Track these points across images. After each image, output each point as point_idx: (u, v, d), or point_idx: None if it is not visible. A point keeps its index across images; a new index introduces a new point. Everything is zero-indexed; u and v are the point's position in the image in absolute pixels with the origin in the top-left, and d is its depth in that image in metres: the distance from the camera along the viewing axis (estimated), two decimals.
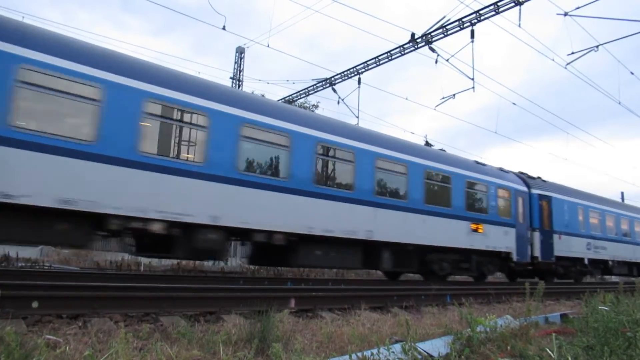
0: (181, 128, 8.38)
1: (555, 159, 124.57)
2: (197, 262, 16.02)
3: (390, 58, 17.97)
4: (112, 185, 7.24)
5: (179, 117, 8.31)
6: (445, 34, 15.83)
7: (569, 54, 14.86)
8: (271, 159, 9.50)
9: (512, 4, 14.15)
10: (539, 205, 16.14)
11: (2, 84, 6.42)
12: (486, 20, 14.87)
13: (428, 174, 12.37)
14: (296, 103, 25.32)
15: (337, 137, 10.59)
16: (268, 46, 32.11)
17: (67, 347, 3.56)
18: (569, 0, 13.90)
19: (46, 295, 5.29)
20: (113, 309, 5.35)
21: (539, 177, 17.57)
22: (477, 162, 15.00)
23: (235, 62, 26.31)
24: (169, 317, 5.35)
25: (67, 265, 14.99)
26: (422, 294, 8.95)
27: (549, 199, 16.60)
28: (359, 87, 19.11)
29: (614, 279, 24.15)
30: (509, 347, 4.23)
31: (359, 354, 3.53)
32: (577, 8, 13.18)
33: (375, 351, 3.56)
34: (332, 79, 20.34)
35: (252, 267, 16.23)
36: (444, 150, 14.86)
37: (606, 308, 6.01)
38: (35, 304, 4.98)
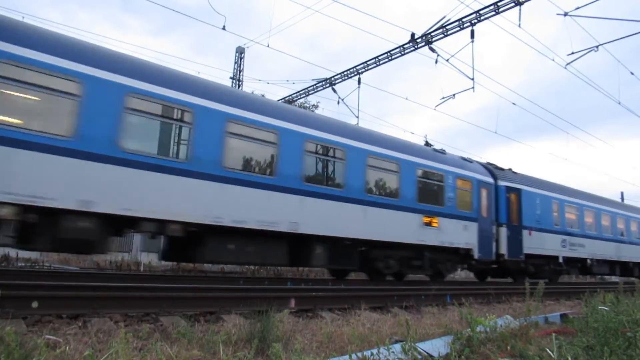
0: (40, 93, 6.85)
1: (555, 159, 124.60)
2: (197, 263, 15.87)
3: (390, 58, 17.97)
4: None
5: (22, 78, 6.73)
6: (445, 34, 15.83)
7: (569, 54, 14.87)
8: (168, 136, 8.14)
9: (512, 4, 14.15)
10: (507, 198, 14.89)
11: None
12: (486, 20, 14.88)
13: (371, 160, 11.06)
14: (296, 103, 25.33)
15: (255, 115, 9.13)
16: (268, 46, 32.08)
17: (67, 347, 3.56)
18: (569, 0, 13.93)
19: (46, 295, 5.29)
20: (113, 309, 5.35)
21: (509, 169, 16.48)
22: (435, 150, 13.80)
23: (235, 62, 26.32)
24: (169, 317, 5.35)
25: (67, 265, 15.00)
26: (422, 294, 8.96)
27: (518, 191, 15.37)
28: (359, 87, 19.12)
29: (614, 279, 23.97)
30: (509, 347, 4.23)
31: (359, 354, 3.53)
32: (577, 8, 13.19)
33: (375, 351, 3.56)
34: (332, 79, 20.34)
35: (252, 267, 16.25)
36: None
37: (606, 308, 6.01)
38: (35, 304, 4.98)
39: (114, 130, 7.41)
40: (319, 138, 10.17)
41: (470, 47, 16.35)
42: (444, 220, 12.57)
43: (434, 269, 12.84)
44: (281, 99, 23.48)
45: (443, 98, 17.20)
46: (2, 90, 6.62)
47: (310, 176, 9.98)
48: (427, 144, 27.37)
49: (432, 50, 16.02)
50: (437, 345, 4.22)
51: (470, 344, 4.33)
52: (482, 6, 14.73)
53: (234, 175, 8.68)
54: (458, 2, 17.97)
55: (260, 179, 9.08)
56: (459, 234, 13.01)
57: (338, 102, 20.31)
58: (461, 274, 21.42)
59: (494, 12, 14.61)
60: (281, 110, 10.07)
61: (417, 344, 3.85)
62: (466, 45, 17.52)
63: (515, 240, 14.82)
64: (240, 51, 26.29)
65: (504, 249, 14.39)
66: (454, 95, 16.93)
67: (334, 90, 20.42)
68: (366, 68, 18.87)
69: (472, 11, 14.99)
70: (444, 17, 15.60)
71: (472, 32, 14.91)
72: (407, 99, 55.57)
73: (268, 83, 58.52)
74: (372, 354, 3.55)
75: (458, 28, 15.52)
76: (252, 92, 18.20)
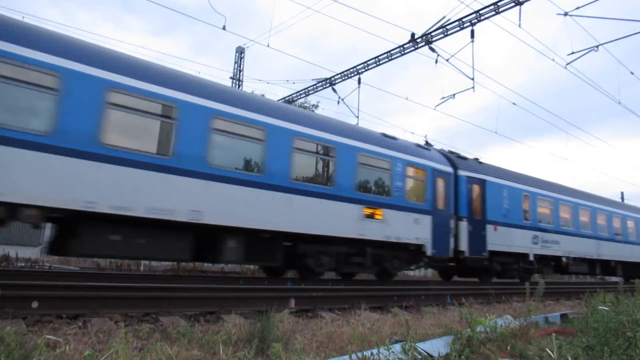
0: None
1: (555, 159, 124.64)
2: (197, 262, 15.88)
3: (390, 58, 17.98)
4: None
5: None
6: (445, 34, 15.83)
7: (569, 54, 14.85)
8: (28, 103, 6.90)
9: (512, 4, 14.14)
10: (468, 189, 13.44)
11: None
12: (486, 20, 14.86)
13: (299, 142, 9.76)
14: (296, 103, 25.34)
15: (144, 84, 7.83)
16: (268, 46, 32.19)
17: (67, 347, 3.56)
18: (569, 0, 13.93)
19: (46, 295, 5.29)
20: (113, 309, 5.35)
21: (475, 159, 15.18)
22: (385, 135, 12.20)
23: (235, 62, 26.34)
24: (169, 317, 5.36)
25: (67, 265, 15.01)
26: (422, 294, 8.97)
27: (482, 182, 13.90)
28: (359, 87, 19.12)
29: (614, 279, 23.88)
30: (509, 347, 4.24)
31: (359, 354, 3.53)
32: (577, 8, 13.18)
33: (375, 351, 3.56)
34: (332, 79, 20.35)
35: (252, 267, 16.23)
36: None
37: (606, 308, 6.01)
38: (35, 304, 4.99)
39: None
40: (233, 115, 8.80)
41: (470, 47, 16.40)
42: (390, 212, 11.16)
43: (378, 266, 11.55)
44: (281, 99, 23.48)
45: (443, 98, 17.20)
46: None
47: (217, 159, 8.55)
48: (427, 143, 27.36)
49: (432, 50, 16.02)
50: (437, 345, 4.23)
51: (470, 344, 4.33)
52: (482, 6, 14.74)
53: (116, 154, 7.34)
54: (458, 2, 17.99)
55: (153, 159, 7.76)
56: (408, 228, 11.57)
57: (338, 102, 20.38)
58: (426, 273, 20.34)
59: (494, 12, 14.61)
60: (181, 82, 8.59)
61: (417, 344, 3.85)
62: (466, 45, 17.60)
63: (477, 236, 13.38)
64: (240, 51, 26.31)
65: (464, 246, 12.89)
66: (454, 95, 16.93)
67: (334, 90, 20.44)
68: (366, 68, 18.88)
69: (472, 11, 15.00)
70: (444, 17, 15.61)
71: (472, 32, 14.91)
72: (407, 99, 55.69)
73: (268, 83, 58.67)
74: (372, 354, 3.54)
75: (458, 28, 15.52)
76: (252, 92, 18.18)
